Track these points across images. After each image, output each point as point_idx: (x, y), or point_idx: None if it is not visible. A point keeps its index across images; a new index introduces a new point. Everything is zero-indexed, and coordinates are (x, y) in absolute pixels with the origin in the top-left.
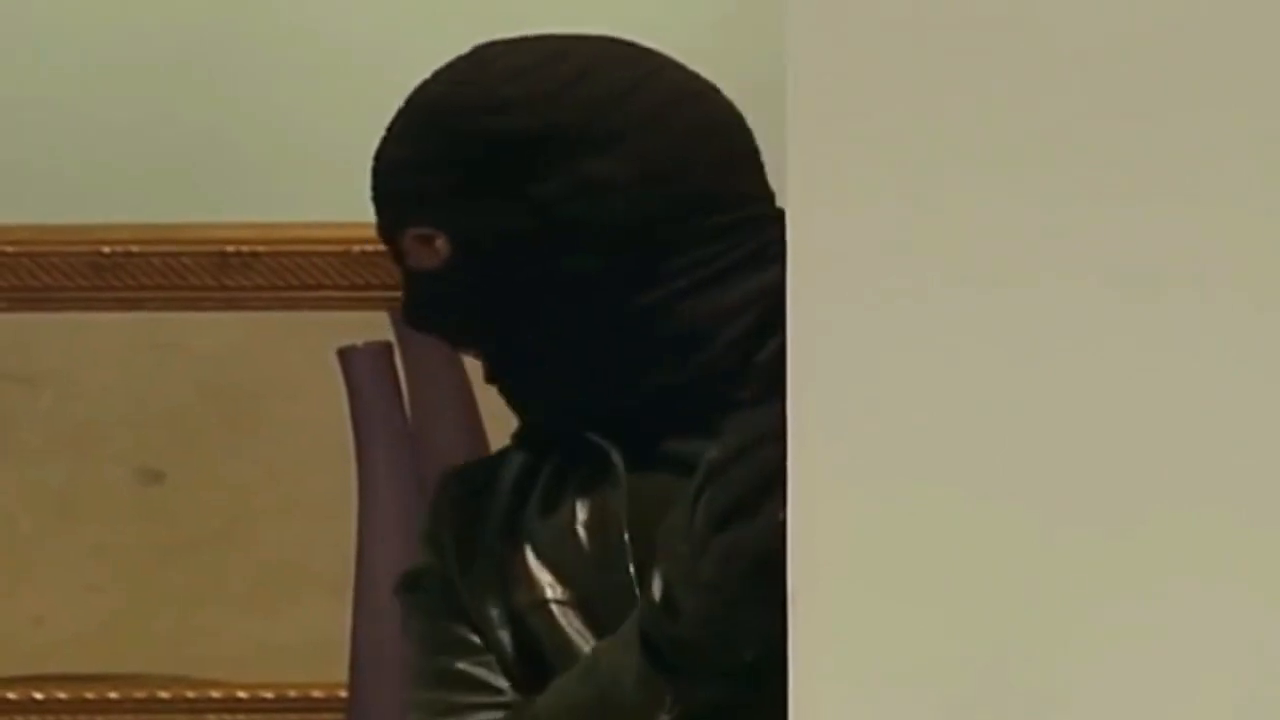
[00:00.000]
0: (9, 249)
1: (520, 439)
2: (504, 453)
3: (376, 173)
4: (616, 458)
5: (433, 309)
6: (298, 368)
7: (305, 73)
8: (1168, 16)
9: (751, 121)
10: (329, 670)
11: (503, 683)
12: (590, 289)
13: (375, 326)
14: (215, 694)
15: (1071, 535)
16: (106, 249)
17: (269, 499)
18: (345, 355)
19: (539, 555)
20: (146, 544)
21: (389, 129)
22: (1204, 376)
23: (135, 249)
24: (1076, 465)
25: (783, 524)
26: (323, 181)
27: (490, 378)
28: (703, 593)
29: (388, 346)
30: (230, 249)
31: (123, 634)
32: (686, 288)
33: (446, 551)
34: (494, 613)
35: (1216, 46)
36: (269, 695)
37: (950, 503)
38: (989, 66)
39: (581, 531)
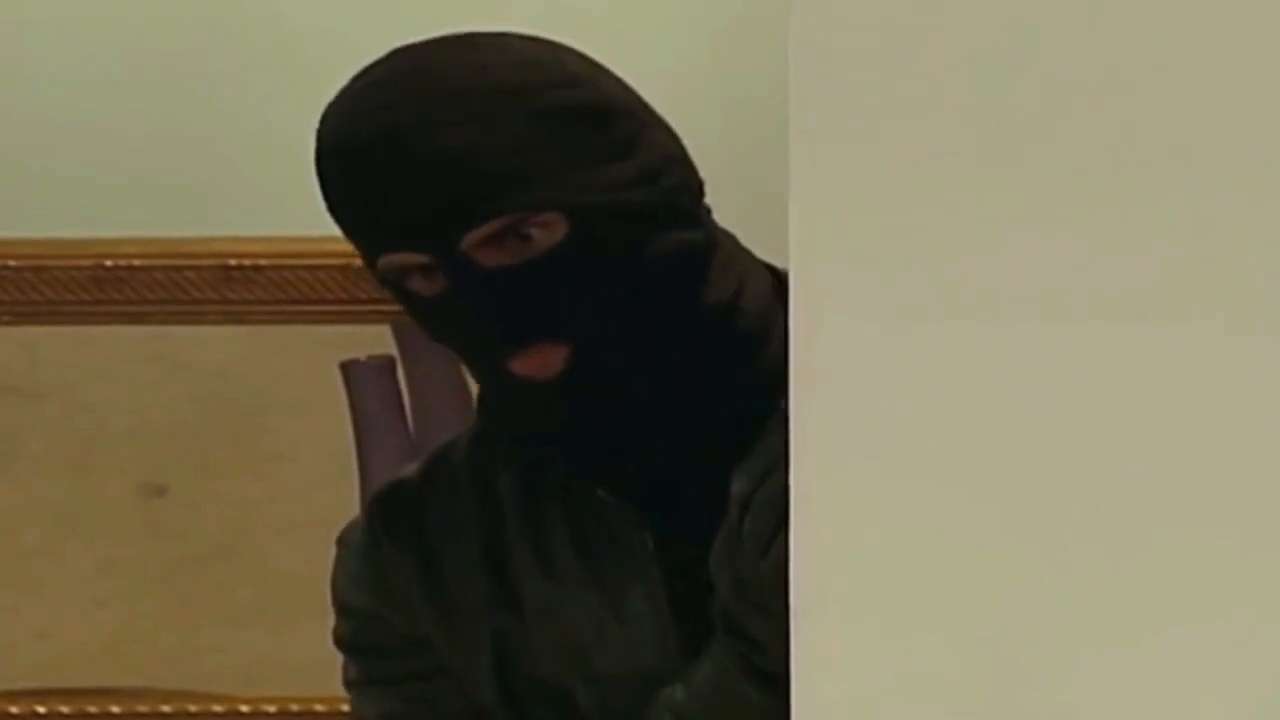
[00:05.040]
0: (12, 263)
1: (516, 466)
2: (438, 471)
3: (444, 164)
4: (651, 543)
5: (537, 301)
6: (300, 382)
7: (308, 87)
8: (1185, 54)
9: (751, 135)
10: (331, 685)
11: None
12: (695, 266)
13: (378, 340)
14: (218, 709)
15: (1079, 554)
16: (109, 262)
17: (271, 513)
18: (348, 369)
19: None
20: (149, 558)
21: (434, 119)
22: (1217, 398)
23: (138, 262)
24: (1083, 484)
25: None
26: None
27: (562, 393)
28: (769, 615)
29: (390, 361)
30: (233, 262)
31: (125, 648)
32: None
33: (414, 609)
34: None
35: (1234, 92)
36: (271, 710)
37: (955, 523)
38: (997, 90)
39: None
